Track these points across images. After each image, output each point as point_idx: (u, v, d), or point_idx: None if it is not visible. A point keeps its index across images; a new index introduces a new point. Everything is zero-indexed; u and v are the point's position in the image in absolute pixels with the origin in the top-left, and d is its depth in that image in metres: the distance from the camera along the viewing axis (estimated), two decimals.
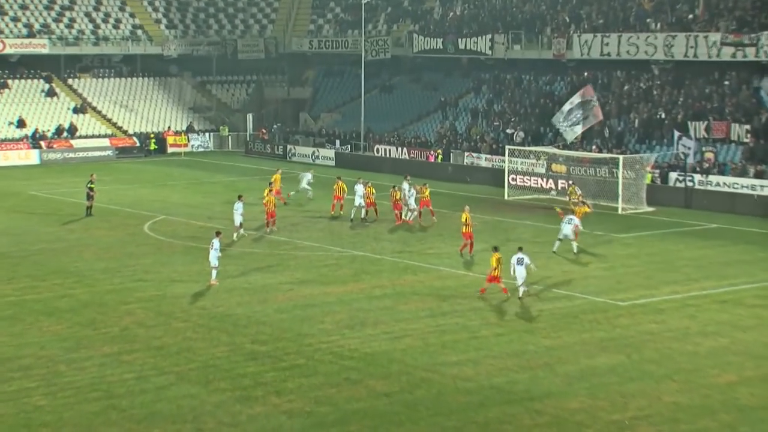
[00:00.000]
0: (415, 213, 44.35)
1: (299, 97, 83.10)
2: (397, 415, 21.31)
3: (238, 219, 40.36)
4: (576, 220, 37.99)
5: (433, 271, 35.01)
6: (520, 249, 31.45)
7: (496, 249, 31.24)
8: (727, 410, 21.35)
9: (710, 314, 29.02)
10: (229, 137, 77.72)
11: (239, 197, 41.25)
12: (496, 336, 26.96)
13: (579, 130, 53.92)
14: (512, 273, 31.04)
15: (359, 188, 44.87)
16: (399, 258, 37.24)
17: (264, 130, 75.06)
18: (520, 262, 30.88)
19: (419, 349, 25.90)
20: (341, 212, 45.76)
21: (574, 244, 37.88)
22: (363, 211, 44.73)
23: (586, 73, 64.95)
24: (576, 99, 54.24)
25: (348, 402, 22.13)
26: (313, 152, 70.21)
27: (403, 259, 37.09)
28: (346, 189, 46.10)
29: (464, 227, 36.96)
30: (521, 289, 30.86)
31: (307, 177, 50.70)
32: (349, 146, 70.63)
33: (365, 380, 23.49)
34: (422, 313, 29.38)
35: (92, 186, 46.31)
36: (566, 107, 53.98)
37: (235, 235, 39.79)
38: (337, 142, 71.79)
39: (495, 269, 30.62)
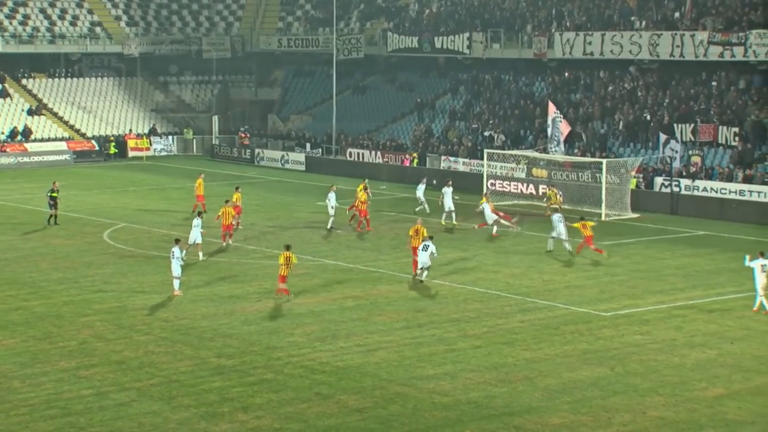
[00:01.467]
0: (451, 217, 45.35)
1: (268, 98, 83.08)
2: None
3: (194, 236, 37.50)
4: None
5: (408, 281, 35.08)
6: (430, 238, 34.50)
7: (287, 248, 32.49)
8: (715, 425, 21.54)
9: (697, 325, 29.27)
10: (194, 140, 77.56)
11: (199, 213, 39.45)
12: (474, 348, 27.07)
13: (561, 146, 54.50)
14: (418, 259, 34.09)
15: (332, 196, 44.57)
16: (373, 267, 37.32)
17: (244, 135, 74.80)
18: (425, 248, 33.94)
19: (394, 362, 25.97)
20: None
21: (567, 244, 38.20)
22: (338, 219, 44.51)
23: (567, 74, 65.38)
24: (549, 122, 54.84)
25: (319, 418, 22.15)
26: (283, 156, 70.19)
27: (377, 268, 37.17)
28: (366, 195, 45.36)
29: (415, 240, 35.55)
30: (424, 273, 34.06)
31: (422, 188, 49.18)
32: (320, 150, 70.65)
33: (337, 395, 23.52)
34: (397, 325, 29.46)
35: (55, 195, 45.82)
36: (550, 132, 54.86)
37: (200, 255, 38.03)
38: (308, 145, 71.81)
39: (282, 268, 32.03)
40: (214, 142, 76.19)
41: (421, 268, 34.33)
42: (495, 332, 28.67)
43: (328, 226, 44.39)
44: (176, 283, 33.08)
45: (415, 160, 63.45)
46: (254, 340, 27.97)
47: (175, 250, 32.91)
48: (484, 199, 44.36)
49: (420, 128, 69.46)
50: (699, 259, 38.60)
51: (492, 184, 52.83)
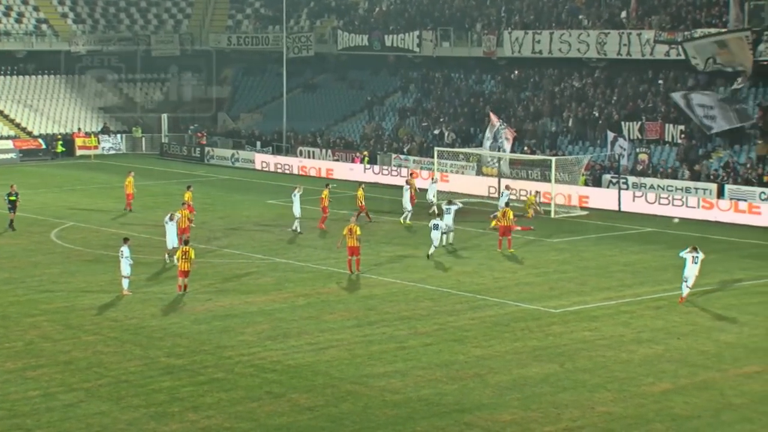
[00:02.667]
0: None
1: (217, 96, 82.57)
2: (322, 430, 21.34)
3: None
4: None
5: (359, 279, 35.10)
6: (439, 215, 38.74)
7: (185, 243, 33.13)
8: (662, 419, 21.78)
9: (645, 321, 29.58)
10: (143, 139, 76.91)
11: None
12: (425, 346, 27.14)
13: (508, 150, 54.24)
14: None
15: (297, 197, 43.62)
16: (324, 265, 37.27)
17: (201, 134, 74.19)
18: (448, 211, 38.44)
19: (345, 360, 25.96)
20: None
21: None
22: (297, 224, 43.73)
23: (516, 71, 65.76)
24: (488, 133, 54.73)
25: (270, 417, 22.09)
26: (233, 155, 69.84)
27: (328, 266, 37.13)
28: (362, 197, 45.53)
29: (350, 240, 35.69)
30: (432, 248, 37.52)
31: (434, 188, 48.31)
32: (270, 148, 70.42)
33: (288, 394, 23.47)
34: (348, 323, 29.46)
35: (13, 198, 44.62)
36: (488, 134, 54.67)
37: (173, 258, 36.06)
38: (258, 143, 71.55)
39: (181, 263, 32.52)
40: (163, 141, 75.61)
41: (441, 239, 38.51)
42: (446, 330, 28.76)
43: (295, 228, 43.22)
44: (125, 282, 32.79)
45: (366, 159, 63.47)
46: (204, 340, 27.81)
47: (124, 249, 32.62)
48: (412, 182, 45.29)
49: (370, 126, 69.50)
50: (646, 256, 39.02)
51: (507, 187, 49.71)
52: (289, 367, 25.44)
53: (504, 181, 51.10)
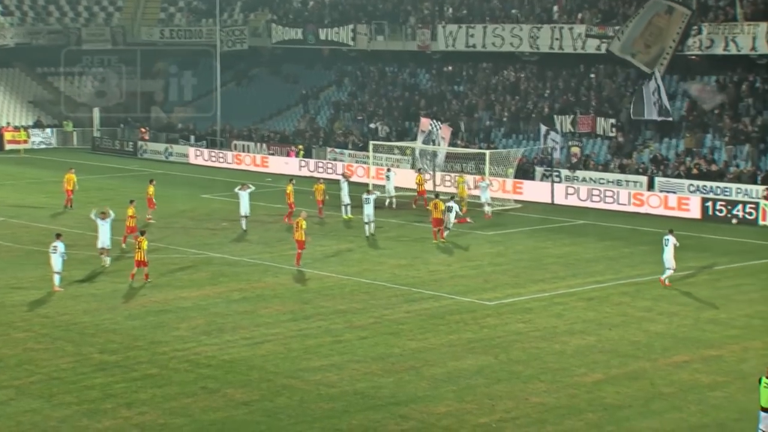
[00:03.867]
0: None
1: (150, 90, 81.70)
2: (258, 425, 21.26)
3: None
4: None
5: (294, 273, 35.03)
6: (451, 198, 41.00)
7: (142, 233, 33.93)
8: (594, 409, 22.07)
9: (577, 312, 29.93)
10: (74, 133, 75.85)
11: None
12: (360, 339, 27.18)
13: (442, 155, 53.97)
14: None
15: (243, 194, 42.68)
16: (259, 259, 37.13)
17: (144, 130, 73.23)
18: (449, 209, 39.89)
19: (280, 354, 25.90)
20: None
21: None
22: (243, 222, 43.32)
23: (450, 67, 66.04)
24: (420, 137, 54.54)
25: (204, 412, 21.96)
26: (166, 149, 69.24)
27: (263, 260, 37.00)
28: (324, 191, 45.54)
29: (296, 233, 35.85)
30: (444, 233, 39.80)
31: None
32: (204, 142, 69.91)
33: (223, 389, 23.35)
34: (283, 317, 29.39)
35: None
36: (420, 138, 54.49)
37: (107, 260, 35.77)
38: (192, 137, 70.99)
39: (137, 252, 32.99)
40: (95, 135, 74.64)
41: (446, 227, 40.03)
42: (381, 323, 28.83)
43: (242, 227, 42.51)
44: (56, 278, 32.34)
45: (301, 152, 63.32)
46: (138, 335, 27.55)
47: (58, 244, 32.18)
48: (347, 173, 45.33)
49: (305, 120, 69.34)
50: (579, 248, 39.48)
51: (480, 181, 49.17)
52: (224, 361, 25.31)
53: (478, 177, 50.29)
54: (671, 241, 32.90)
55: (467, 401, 22.51)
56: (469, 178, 49.72)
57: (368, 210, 41.12)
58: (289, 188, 44.85)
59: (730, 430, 20.86)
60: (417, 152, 55.06)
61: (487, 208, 45.59)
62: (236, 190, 43.51)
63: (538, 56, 61.07)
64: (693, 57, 55.23)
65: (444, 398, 22.72)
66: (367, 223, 41.15)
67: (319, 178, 50.08)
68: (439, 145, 53.45)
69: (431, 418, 21.61)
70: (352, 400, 22.64)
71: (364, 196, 41.76)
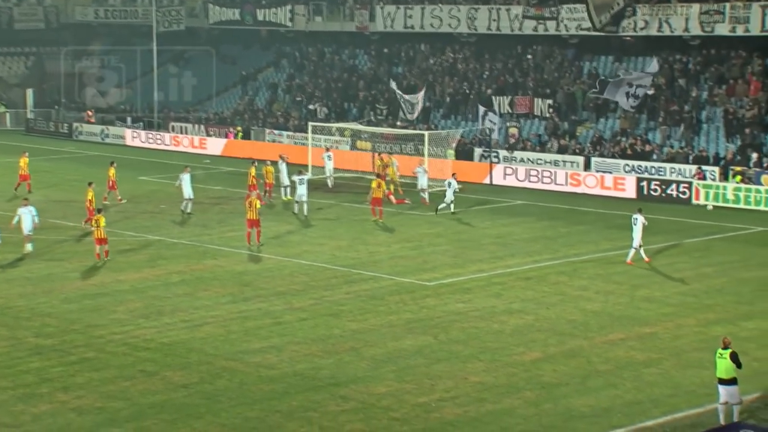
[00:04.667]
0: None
1: (85, 71, 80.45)
2: (197, 408, 21.17)
3: (27, 224, 34.01)
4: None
5: (234, 255, 34.87)
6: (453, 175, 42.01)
7: (99, 211, 34.28)
8: (532, 387, 22.30)
9: (515, 292, 30.19)
10: (7, 115, 74.52)
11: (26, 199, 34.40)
12: (300, 321, 27.16)
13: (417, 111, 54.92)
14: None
15: (185, 177, 42.18)
16: (198, 242, 36.89)
17: (90, 112, 72.00)
18: (449, 185, 41.50)
19: (220, 337, 25.79)
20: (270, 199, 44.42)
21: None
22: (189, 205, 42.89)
23: (387, 50, 65.95)
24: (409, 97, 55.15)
25: (143, 395, 21.81)
26: (102, 130, 68.36)
27: (202, 242, 36.77)
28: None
29: (249, 212, 36.01)
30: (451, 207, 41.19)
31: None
32: (141, 123, 69.13)
33: (162, 372, 23.21)
34: (223, 300, 29.25)
35: None
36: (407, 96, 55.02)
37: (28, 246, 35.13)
38: (129, 119, 70.17)
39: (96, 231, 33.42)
40: (29, 116, 73.41)
41: (446, 203, 41.78)
42: (321, 304, 28.82)
43: (187, 210, 41.95)
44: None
45: (240, 134, 62.92)
46: (75, 319, 27.24)
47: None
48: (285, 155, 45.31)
49: (244, 101, 68.89)
50: (517, 228, 39.79)
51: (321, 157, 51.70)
52: (162, 344, 25.14)
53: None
54: (639, 219, 33.46)
55: (407, 381, 22.62)
56: (396, 160, 49.23)
57: (301, 191, 41.50)
58: (252, 170, 44.46)
59: (664, 406, 21.20)
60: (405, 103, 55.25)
61: (424, 194, 45.38)
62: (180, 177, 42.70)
63: (476, 37, 61.26)
64: (628, 38, 55.81)
65: (384, 378, 22.80)
66: (298, 202, 41.60)
67: (266, 160, 49.46)
68: (414, 108, 54.01)
69: (371, 398, 21.69)
70: (292, 382, 22.63)
71: (297, 177, 42.00)
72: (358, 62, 67.86)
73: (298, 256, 34.67)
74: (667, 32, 53.03)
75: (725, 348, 20.06)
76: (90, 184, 39.09)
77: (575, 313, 27.95)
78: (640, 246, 33.39)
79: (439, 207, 42.12)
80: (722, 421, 19.73)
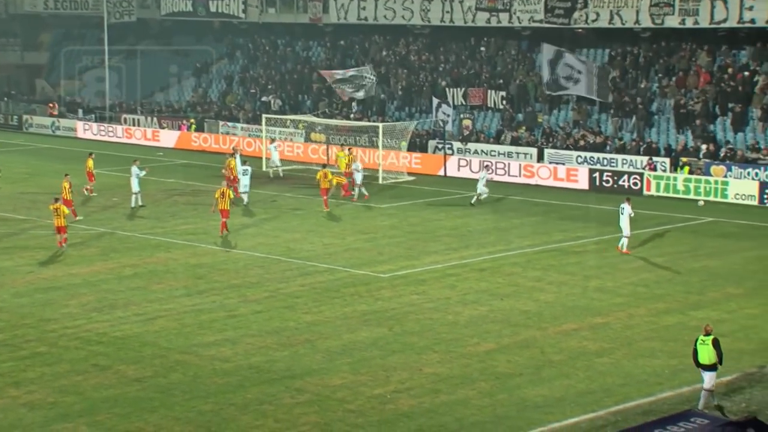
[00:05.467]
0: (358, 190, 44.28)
1: (35, 62, 79.48)
2: (150, 401, 21.04)
3: None
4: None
5: (188, 248, 34.67)
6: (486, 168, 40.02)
7: (56, 200, 34.32)
8: (486, 378, 22.42)
9: (470, 283, 30.31)
10: None
11: None
12: (255, 314, 27.08)
13: (360, 95, 55.31)
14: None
15: (135, 170, 41.96)
16: (151, 235, 36.62)
17: (53, 105, 70.94)
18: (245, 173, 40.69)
19: (174, 330, 25.65)
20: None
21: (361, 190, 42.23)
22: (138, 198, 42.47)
23: (342, 42, 65.84)
24: (352, 72, 55.20)
25: (96, 390, 21.63)
26: (53, 123, 67.56)
27: (156, 235, 36.51)
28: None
29: (221, 203, 36.45)
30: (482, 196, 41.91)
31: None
32: (93, 116, 68.43)
33: (115, 366, 23.03)
34: (177, 293, 29.08)
35: None
36: (350, 72, 55.24)
37: None
38: (80, 111, 69.42)
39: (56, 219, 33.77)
40: None
41: (478, 194, 42.03)
42: (276, 297, 28.76)
43: (133, 204, 41.75)
44: None
45: (193, 126, 62.51)
46: (26, 313, 26.94)
47: None
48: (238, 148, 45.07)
49: (197, 94, 68.44)
50: (471, 220, 39.93)
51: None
52: (116, 338, 24.95)
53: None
54: (626, 209, 33.95)
55: (362, 373, 22.64)
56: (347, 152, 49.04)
57: (245, 181, 42.09)
58: (232, 162, 44.04)
59: (616, 395, 21.41)
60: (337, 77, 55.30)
61: (362, 190, 44.86)
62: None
63: (429, 29, 61.33)
64: (579, 30, 56.18)
65: (339, 371, 22.80)
66: (244, 192, 42.07)
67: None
68: (358, 90, 54.15)
69: (326, 390, 21.68)
70: (247, 375, 22.57)
71: (240, 168, 42.39)
72: (312, 54, 67.68)
73: (253, 249, 34.55)
74: (618, 24, 53.46)
75: (707, 335, 20.52)
76: (66, 175, 39.14)
77: (529, 303, 28.14)
78: (624, 236, 33.91)
79: (473, 201, 42.41)
80: (701, 406, 20.15)
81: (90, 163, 44.53)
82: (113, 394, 21.41)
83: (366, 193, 43.84)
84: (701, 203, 42.07)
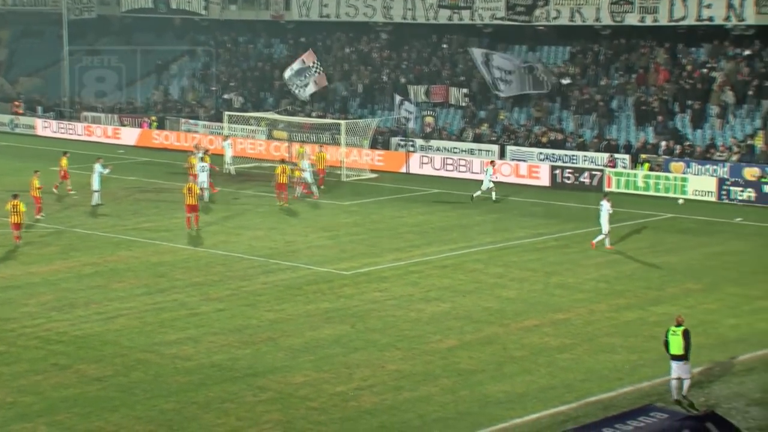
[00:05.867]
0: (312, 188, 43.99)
1: None
2: (111, 401, 20.88)
3: None
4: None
5: (149, 246, 34.44)
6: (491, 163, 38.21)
7: (15, 196, 34.50)
8: (448, 375, 22.47)
9: (432, 280, 30.36)
10: None
11: None
12: (217, 312, 26.96)
13: (310, 90, 55.32)
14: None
15: (98, 168, 41.78)
16: (112, 233, 36.36)
17: (18, 103, 70.04)
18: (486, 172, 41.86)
19: (135, 329, 25.47)
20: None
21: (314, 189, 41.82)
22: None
23: (303, 39, 65.68)
24: (296, 65, 55.39)
25: (56, 389, 21.44)
26: (12, 120, 66.84)
27: (117, 233, 36.25)
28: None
29: (189, 198, 36.55)
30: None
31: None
32: (53, 113, 67.78)
33: (75, 365, 22.84)
34: (138, 291, 28.89)
35: None
36: (295, 66, 55.23)
37: None
38: (39, 108, 68.74)
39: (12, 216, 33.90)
40: None
41: (488, 189, 42.00)
42: (238, 295, 28.64)
43: (95, 203, 41.42)
44: None
45: (154, 124, 62.11)
46: None
47: None
48: (207, 158, 44.41)
49: (158, 91, 68.00)
50: (433, 217, 40.00)
51: (231, 145, 51.46)
52: (76, 337, 24.74)
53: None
54: (605, 206, 34.28)
55: (325, 371, 22.61)
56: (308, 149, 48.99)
57: (202, 177, 42.00)
58: (207, 159, 44.04)
59: (577, 390, 21.54)
60: (288, 73, 55.17)
61: (314, 188, 44.56)
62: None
63: (391, 26, 61.34)
64: (540, 27, 56.44)
65: (302, 368, 22.76)
66: (202, 189, 42.01)
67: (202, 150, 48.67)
68: (307, 85, 54.08)
69: (289, 388, 21.63)
70: (209, 373, 22.46)
71: (198, 164, 42.44)
72: (274, 51, 67.46)
73: (215, 247, 34.39)
74: (578, 22, 53.77)
75: (678, 326, 20.94)
76: (36, 172, 39.07)
77: (491, 300, 28.23)
78: (602, 232, 34.12)
79: (475, 194, 42.60)
80: (674, 396, 20.68)
81: (64, 161, 44.31)
82: (73, 394, 21.23)
83: (316, 193, 43.38)
84: (681, 202, 41.98)
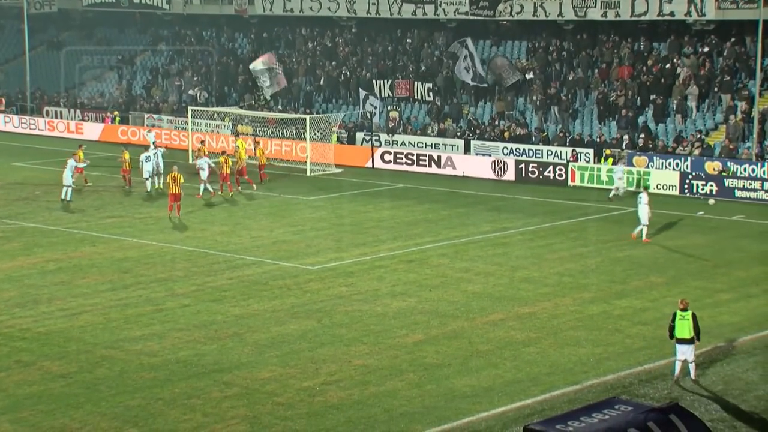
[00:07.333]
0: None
1: None
2: (76, 397, 20.72)
3: None
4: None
5: (113, 242, 34.22)
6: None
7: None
8: (414, 369, 22.50)
9: (398, 275, 30.39)
10: None
11: None
12: (183, 307, 26.83)
13: (273, 90, 55.66)
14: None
15: (72, 162, 41.45)
16: (75, 228, 36.07)
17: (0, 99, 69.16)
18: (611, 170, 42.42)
19: (100, 325, 25.30)
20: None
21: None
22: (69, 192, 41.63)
23: (265, 34, 65.48)
24: (259, 65, 55.44)
25: (19, 386, 21.24)
26: None
27: (80, 229, 35.97)
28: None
29: (173, 187, 37.41)
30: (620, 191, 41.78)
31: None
32: (14, 108, 67.10)
33: (39, 362, 22.65)
34: (102, 287, 28.69)
35: None
36: (260, 66, 55.44)
37: None
38: (3, 102, 67.97)
39: None
40: None
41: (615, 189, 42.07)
42: (204, 290, 28.53)
43: (64, 198, 40.84)
44: None
45: (117, 119, 61.67)
46: None
47: None
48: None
49: (121, 86, 67.51)
50: (399, 212, 40.04)
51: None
52: (39, 334, 24.53)
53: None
54: (644, 198, 34.58)
55: (291, 366, 22.58)
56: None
57: (148, 167, 42.97)
58: (126, 155, 43.83)
59: (542, 384, 21.65)
60: (256, 66, 55.03)
61: (208, 186, 44.08)
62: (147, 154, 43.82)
63: (355, 21, 61.29)
64: (504, 22, 56.63)
65: (268, 363, 22.71)
66: (148, 179, 43.14)
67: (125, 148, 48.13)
68: (273, 84, 54.29)
69: (255, 383, 21.58)
70: (175, 369, 22.36)
71: (143, 155, 43.51)
72: (238, 46, 67.18)
73: (180, 242, 34.22)
74: (542, 17, 54.00)
75: (684, 310, 21.48)
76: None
77: (457, 294, 28.30)
78: (643, 224, 34.40)
79: (611, 195, 42.23)
80: (676, 375, 21.44)
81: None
82: (37, 391, 21.05)
83: (212, 190, 42.37)
84: (712, 202, 40.93)
